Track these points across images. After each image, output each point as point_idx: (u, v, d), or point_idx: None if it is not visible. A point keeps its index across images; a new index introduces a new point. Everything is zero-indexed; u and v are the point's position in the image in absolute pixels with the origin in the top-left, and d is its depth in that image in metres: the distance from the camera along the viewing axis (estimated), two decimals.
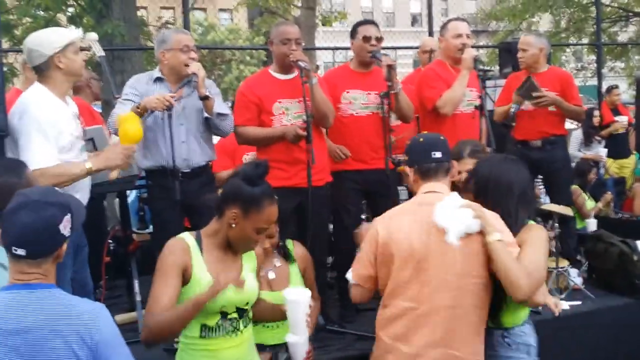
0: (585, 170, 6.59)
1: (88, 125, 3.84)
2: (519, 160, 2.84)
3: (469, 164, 3.06)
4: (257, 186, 2.33)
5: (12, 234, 1.87)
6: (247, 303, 2.42)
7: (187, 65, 3.59)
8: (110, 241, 4.63)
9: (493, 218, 2.52)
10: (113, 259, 4.71)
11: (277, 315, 2.63)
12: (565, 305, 3.92)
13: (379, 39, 4.03)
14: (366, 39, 4.01)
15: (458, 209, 2.45)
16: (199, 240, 2.39)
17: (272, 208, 2.36)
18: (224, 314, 2.36)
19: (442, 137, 2.73)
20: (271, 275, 2.90)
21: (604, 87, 8.48)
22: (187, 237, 2.39)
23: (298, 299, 2.41)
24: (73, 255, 3.15)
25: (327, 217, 3.99)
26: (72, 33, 3.20)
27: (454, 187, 3.15)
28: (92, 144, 3.62)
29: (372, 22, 4.17)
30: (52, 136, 2.96)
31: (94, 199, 3.56)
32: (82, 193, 3.15)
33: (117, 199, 4.69)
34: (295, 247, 3.05)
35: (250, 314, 2.50)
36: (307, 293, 2.45)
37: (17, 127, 2.99)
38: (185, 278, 2.32)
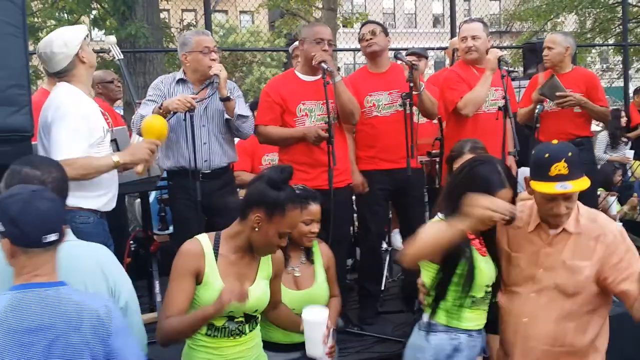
0: (610, 173, 6.47)
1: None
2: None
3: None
4: (281, 191, 2.34)
5: (33, 224, 1.85)
6: (256, 310, 2.44)
7: (210, 67, 3.60)
8: (131, 242, 4.66)
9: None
10: (134, 260, 4.73)
11: (294, 327, 2.66)
12: None
13: (373, 33, 4.09)
14: (360, 39, 4.12)
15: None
16: (217, 243, 2.40)
17: (296, 212, 2.37)
18: (230, 318, 2.39)
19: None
20: (297, 272, 2.90)
21: (631, 88, 8.33)
22: (204, 239, 2.40)
23: (316, 320, 2.44)
24: None
25: (349, 219, 3.97)
26: (80, 27, 3.26)
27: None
28: (115, 144, 3.65)
29: (369, 22, 4.25)
30: (83, 130, 3.00)
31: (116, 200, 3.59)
32: (110, 190, 3.17)
33: (138, 200, 4.72)
34: (319, 245, 3.05)
35: (259, 319, 2.51)
36: (325, 313, 2.47)
37: (49, 123, 3.03)
38: (198, 280, 2.34)
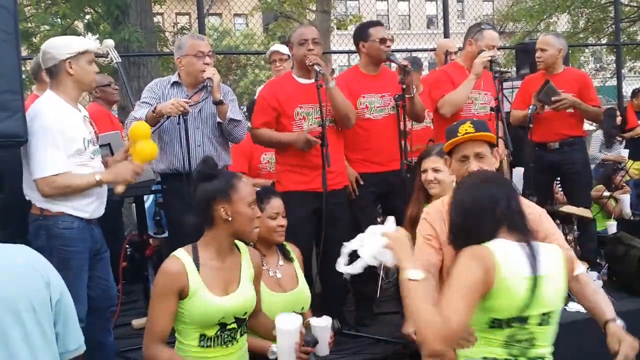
0: (611, 173, 6.50)
1: (107, 131, 3.87)
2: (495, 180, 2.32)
3: (437, 162, 3.14)
4: (218, 176, 2.43)
5: None
6: (245, 313, 2.45)
7: (202, 71, 3.60)
8: (127, 246, 4.65)
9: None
10: (130, 264, 4.73)
11: (269, 337, 2.64)
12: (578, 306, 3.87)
13: (391, 40, 4.04)
14: (382, 40, 4.00)
15: (375, 236, 2.17)
16: (195, 254, 2.41)
17: (242, 182, 2.44)
18: (223, 325, 2.39)
19: None
20: (279, 274, 2.93)
21: (624, 87, 8.37)
22: (182, 254, 2.42)
23: (288, 329, 2.45)
24: (92, 262, 3.17)
25: (346, 220, 3.99)
26: (90, 43, 3.21)
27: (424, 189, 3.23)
28: (108, 149, 3.65)
29: (380, 23, 4.19)
30: (61, 143, 2.97)
31: (111, 205, 3.58)
32: (95, 197, 3.16)
33: (134, 204, 4.72)
34: (290, 247, 3.12)
35: (247, 322, 2.52)
36: (298, 321, 2.48)
37: (29, 132, 3.01)
38: (182, 296, 2.35)
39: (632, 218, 6.20)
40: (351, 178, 4.01)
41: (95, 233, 3.20)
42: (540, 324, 2.07)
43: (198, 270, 2.37)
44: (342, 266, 2.22)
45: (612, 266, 4.51)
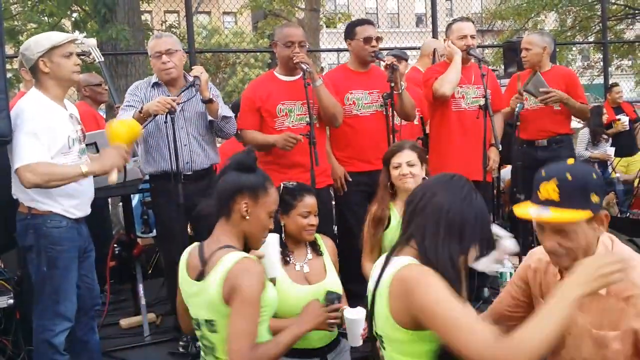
0: None
1: (93, 131, 3.85)
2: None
3: (411, 156, 3.11)
4: (255, 171, 2.27)
5: None
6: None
7: (162, 71, 3.64)
8: (115, 245, 4.63)
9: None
10: (118, 263, 4.71)
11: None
12: None
13: (378, 39, 4.03)
14: (367, 40, 4.00)
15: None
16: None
17: (275, 189, 2.30)
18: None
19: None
20: (306, 268, 2.87)
21: None
22: (248, 255, 2.18)
23: (358, 317, 2.46)
24: (79, 260, 3.15)
25: (331, 219, 3.98)
26: (59, 36, 3.09)
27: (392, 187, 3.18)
28: (94, 147, 3.63)
29: (369, 22, 4.17)
30: (44, 140, 2.93)
31: (98, 204, 3.56)
32: (81, 198, 3.14)
33: (121, 204, 4.70)
34: (324, 239, 3.02)
35: None
36: (363, 312, 2.42)
37: (13, 130, 2.98)
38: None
39: (618, 215, 6.25)
40: (339, 174, 4.01)
41: (83, 231, 3.18)
42: None
43: None
44: None
45: None
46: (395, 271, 1.80)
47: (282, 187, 2.83)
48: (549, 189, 1.83)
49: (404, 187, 3.11)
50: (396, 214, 3.14)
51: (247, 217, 2.20)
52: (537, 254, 2.10)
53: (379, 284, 1.86)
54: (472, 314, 1.69)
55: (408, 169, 3.11)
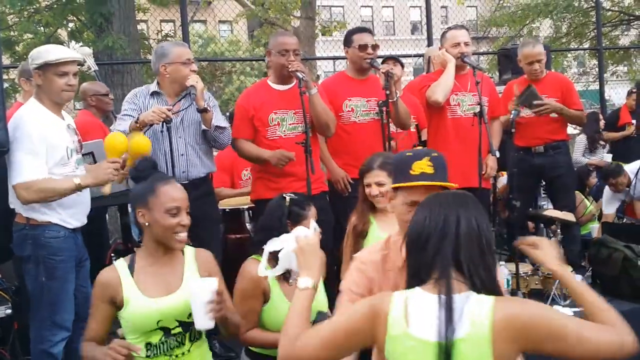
0: (585, 176, 6.55)
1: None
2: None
3: (380, 175, 2.98)
4: (144, 179, 2.35)
5: None
6: (190, 315, 2.28)
7: (188, 78, 3.59)
8: (112, 254, 4.63)
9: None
10: None
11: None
12: (570, 311, 3.89)
13: (375, 47, 4.05)
14: (362, 47, 4.03)
15: (291, 239, 2.07)
16: (132, 261, 2.37)
17: (168, 186, 2.33)
18: (166, 330, 2.30)
19: None
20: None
21: (607, 91, 8.45)
22: (120, 263, 2.39)
23: (201, 289, 2.25)
24: (75, 269, 3.15)
25: (331, 225, 3.99)
26: (58, 54, 3.07)
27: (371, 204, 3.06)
28: (92, 157, 3.63)
29: (366, 30, 4.20)
30: (41, 151, 2.95)
31: (95, 213, 3.56)
32: (78, 208, 3.14)
33: (119, 213, 4.70)
34: None
35: (203, 333, 2.40)
36: (213, 284, 2.25)
37: (11, 141, 3.00)
38: (119, 304, 2.31)
39: (615, 221, 6.26)
40: (341, 176, 4.01)
41: (79, 241, 3.19)
42: None
43: (132, 276, 2.32)
44: (262, 270, 2.18)
45: (595, 269, 4.54)
46: (490, 314, 1.61)
47: (288, 199, 2.82)
48: (423, 165, 2.08)
49: (377, 206, 3.05)
50: (375, 225, 3.08)
51: (147, 224, 2.31)
52: (365, 257, 2.25)
53: (451, 333, 1.61)
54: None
55: (377, 189, 2.99)
